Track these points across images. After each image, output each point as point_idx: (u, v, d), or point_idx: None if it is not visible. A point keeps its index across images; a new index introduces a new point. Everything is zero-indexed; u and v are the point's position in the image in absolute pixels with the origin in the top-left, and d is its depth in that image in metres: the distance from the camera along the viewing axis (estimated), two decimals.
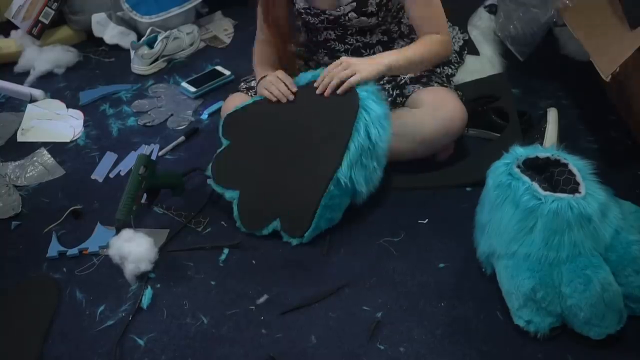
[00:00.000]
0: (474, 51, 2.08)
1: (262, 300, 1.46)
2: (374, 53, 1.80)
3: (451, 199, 1.68)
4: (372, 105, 1.56)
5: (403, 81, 1.78)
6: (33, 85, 2.29)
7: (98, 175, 1.87)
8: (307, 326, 1.40)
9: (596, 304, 1.26)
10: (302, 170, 1.59)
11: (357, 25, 1.73)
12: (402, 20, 1.80)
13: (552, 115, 1.80)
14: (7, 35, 2.49)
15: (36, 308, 1.49)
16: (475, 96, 1.91)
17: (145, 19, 2.39)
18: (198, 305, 1.46)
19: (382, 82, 1.82)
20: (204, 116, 2.08)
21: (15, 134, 2.07)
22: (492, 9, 2.19)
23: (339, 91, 1.60)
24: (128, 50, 2.38)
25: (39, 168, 1.91)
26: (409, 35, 1.83)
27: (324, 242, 1.58)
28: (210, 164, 1.70)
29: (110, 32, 2.43)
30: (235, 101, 1.79)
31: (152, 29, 2.38)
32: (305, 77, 1.69)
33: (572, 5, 1.87)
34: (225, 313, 1.44)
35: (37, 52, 2.38)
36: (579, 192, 1.31)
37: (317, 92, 1.62)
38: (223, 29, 2.57)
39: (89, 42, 2.51)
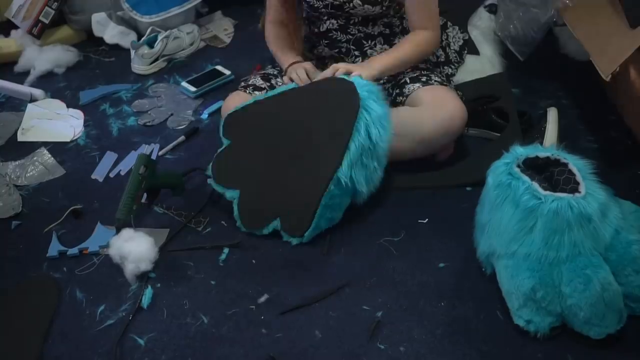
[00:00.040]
0: (474, 51, 2.08)
1: (262, 300, 1.46)
2: (375, 45, 1.81)
3: (451, 199, 1.68)
4: (373, 105, 1.57)
5: (403, 80, 1.78)
6: (33, 84, 2.28)
7: (98, 175, 1.87)
8: (307, 326, 1.40)
9: (596, 303, 1.26)
10: (302, 170, 1.59)
11: (361, 13, 1.74)
12: (405, 16, 1.81)
13: (552, 115, 1.80)
14: (7, 35, 2.49)
15: (36, 308, 1.49)
16: (475, 96, 1.92)
17: (145, 19, 2.39)
18: (198, 305, 1.46)
19: (382, 81, 1.82)
20: (204, 116, 2.08)
21: (15, 133, 2.07)
22: (492, 9, 2.19)
23: (337, 73, 1.64)
24: (128, 50, 2.38)
25: (39, 168, 1.91)
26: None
27: (324, 242, 1.58)
28: (211, 164, 1.70)
29: (110, 32, 2.43)
30: (235, 100, 1.79)
31: (152, 28, 2.38)
32: None
33: (572, 5, 1.87)
34: (225, 313, 1.44)
35: (37, 52, 2.38)
36: (579, 192, 1.31)
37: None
38: (223, 28, 2.57)
39: (89, 42, 2.51)
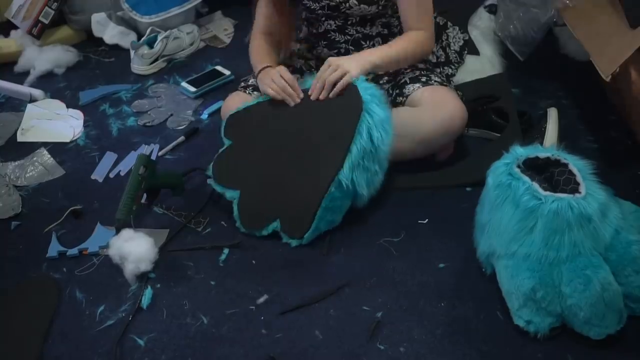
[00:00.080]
0: (474, 51, 2.08)
1: (262, 300, 1.46)
2: (373, 45, 1.81)
3: (451, 199, 1.68)
4: (376, 108, 1.57)
5: (403, 80, 1.78)
6: (33, 85, 2.28)
7: (98, 175, 1.87)
8: (307, 326, 1.40)
9: (596, 303, 1.26)
10: (303, 172, 1.59)
11: (358, 13, 1.73)
12: None
13: (552, 115, 1.80)
14: (7, 35, 2.49)
15: (36, 308, 1.49)
16: (475, 96, 1.92)
17: (145, 19, 2.39)
18: (198, 305, 1.46)
19: (381, 81, 1.83)
20: (204, 116, 2.08)
21: (15, 133, 2.07)
22: (492, 9, 2.19)
23: (331, 94, 1.61)
24: (128, 50, 2.38)
25: (39, 168, 1.91)
26: None
27: (324, 242, 1.58)
28: (212, 164, 1.70)
29: (110, 32, 2.43)
30: (235, 100, 1.79)
31: (152, 28, 2.38)
32: (307, 81, 1.69)
33: (572, 5, 1.87)
34: (225, 313, 1.44)
35: (37, 52, 2.38)
36: (579, 192, 1.31)
37: (312, 97, 1.63)
38: (223, 28, 2.57)
39: (89, 42, 2.51)
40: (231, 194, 1.64)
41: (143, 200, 1.70)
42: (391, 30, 1.82)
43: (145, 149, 1.95)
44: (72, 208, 1.72)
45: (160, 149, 1.95)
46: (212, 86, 2.21)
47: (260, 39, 1.82)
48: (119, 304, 1.47)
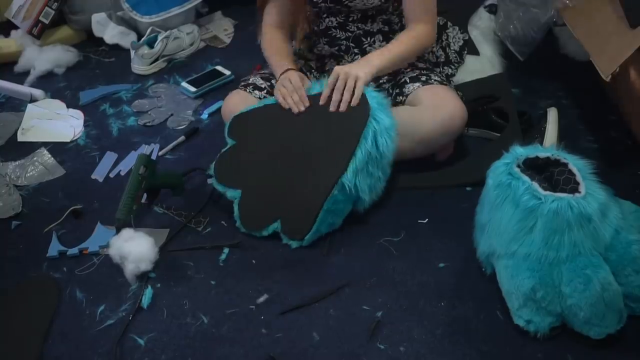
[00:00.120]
0: (474, 51, 2.08)
1: (262, 300, 1.46)
2: (374, 42, 1.81)
3: (451, 199, 1.68)
4: (382, 116, 1.57)
5: (402, 80, 1.78)
6: (33, 85, 2.28)
7: (98, 175, 1.87)
8: (307, 326, 1.40)
9: (596, 303, 1.26)
10: (306, 174, 1.59)
11: (360, 6, 1.73)
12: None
13: (552, 115, 1.80)
14: (7, 35, 2.49)
15: (36, 308, 1.49)
16: (475, 96, 1.91)
17: (145, 19, 2.39)
18: (198, 305, 1.46)
19: (381, 81, 1.82)
20: (204, 116, 2.09)
21: (15, 133, 2.07)
22: (492, 9, 2.19)
23: (353, 103, 1.60)
24: (128, 50, 2.38)
25: (39, 168, 1.91)
26: None
27: (324, 242, 1.58)
28: (214, 163, 1.70)
29: (110, 32, 2.43)
30: (235, 99, 1.79)
31: (152, 28, 2.38)
32: (315, 88, 1.68)
33: (572, 5, 1.87)
34: (225, 313, 1.44)
35: (37, 52, 2.38)
36: (579, 192, 1.31)
37: (331, 109, 1.61)
38: (223, 28, 2.57)
39: (89, 42, 2.51)
40: (232, 194, 1.64)
41: (143, 200, 1.70)
42: (392, 27, 1.82)
43: (145, 149, 1.95)
44: (72, 208, 1.72)
45: (160, 149, 1.95)
46: (212, 86, 2.21)
47: (274, 31, 1.82)
48: (119, 304, 1.47)
